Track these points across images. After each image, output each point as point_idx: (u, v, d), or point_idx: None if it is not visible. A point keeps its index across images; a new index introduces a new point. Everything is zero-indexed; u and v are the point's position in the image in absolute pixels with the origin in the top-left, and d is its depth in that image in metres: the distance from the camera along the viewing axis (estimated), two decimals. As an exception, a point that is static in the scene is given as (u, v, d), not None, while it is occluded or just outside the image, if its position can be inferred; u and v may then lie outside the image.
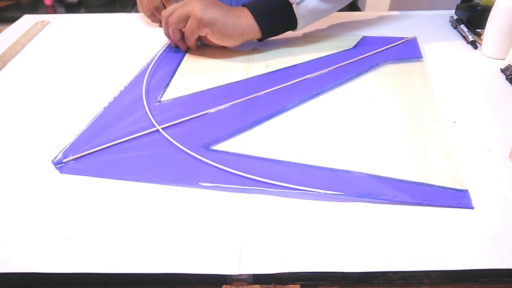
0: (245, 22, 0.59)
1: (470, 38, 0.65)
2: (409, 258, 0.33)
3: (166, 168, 0.42)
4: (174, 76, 0.58)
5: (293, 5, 0.58)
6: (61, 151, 0.44)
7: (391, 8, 1.08)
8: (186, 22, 0.59)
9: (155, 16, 0.72)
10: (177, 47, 0.65)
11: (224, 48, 0.64)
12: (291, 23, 0.61)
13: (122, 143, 0.45)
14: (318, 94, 0.53)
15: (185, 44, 0.63)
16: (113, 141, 0.45)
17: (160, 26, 0.73)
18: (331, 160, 0.42)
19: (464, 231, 0.35)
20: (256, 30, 0.60)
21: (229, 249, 0.34)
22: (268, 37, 0.63)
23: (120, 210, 0.38)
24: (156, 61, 0.62)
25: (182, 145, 0.44)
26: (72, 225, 0.36)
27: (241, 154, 0.44)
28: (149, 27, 0.74)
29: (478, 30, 0.67)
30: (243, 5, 0.60)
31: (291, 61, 0.61)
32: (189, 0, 0.58)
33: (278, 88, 0.54)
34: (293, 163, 0.42)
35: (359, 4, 1.84)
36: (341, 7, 0.65)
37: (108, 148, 0.45)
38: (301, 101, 0.52)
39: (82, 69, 0.61)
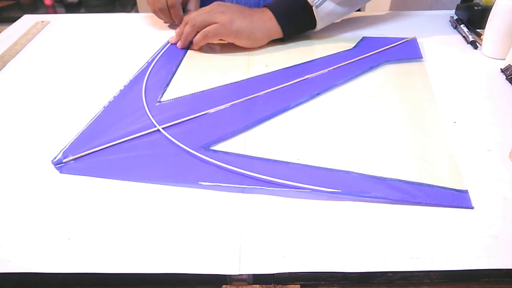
0: (270, 24, 0.63)
1: (470, 38, 0.65)
2: (409, 258, 0.33)
3: (166, 167, 0.42)
4: (174, 76, 0.58)
5: (313, 7, 0.61)
6: (61, 151, 0.44)
7: (391, 8, 1.08)
8: (207, 26, 0.61)
9: (157, 13, 0.72)
10: (176, 46, 0.66)
11: (224, 48, 0.65)
12: (311, 23, 0.64)
13: (122, 143, 0.45)
14: (318, 94, 0.53)
15: (187, 43, 0.65)
16: (113, 141, 0.45)
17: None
18: (331, 160, 0.42)
19: (464, 231, 0.35)
20: (280, 31, 0.64)
21: (229, 249, 0.34)
22: (290, 37, 0.66)
23: (120, 210, 0.38)
24: (156, 61, 0.62)
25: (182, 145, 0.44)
26: (72, 225, 0.36)
27: (241, 154, 0.44)
28: (149, 27, 0.74)
29: (478, 30, 0.67)
30: (264, 6, 0.64)
31: (291, 61, 0.61)
32: (215, 7, 0.62)
33: (278, 88, 0.54)
34: (293, 163, 0.42)
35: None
36: (356, 10, 0.68)
37: (108, 148, 0.45)
38: (301, 101, 0.52)
39: (82, 69, 0.61)
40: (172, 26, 0.73)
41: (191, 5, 0.70)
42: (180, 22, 0.70)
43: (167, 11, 0.69)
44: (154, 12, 0.71)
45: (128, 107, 0.52)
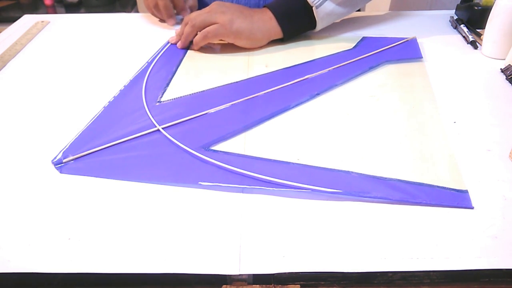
0: (270, 25, 0.63)
1: (470, 38, 0.65)
2: (409, 258, 0.33)
3: (166, 167, 0.42)
4: (174, 76, 0.58)
5: (313, 8, 0.61)
6: (61, 151, 0.44)
7: (391, 8, 1.08)
8: (208, 26, 0.61)
9: (154, 10, 0.72)
10: (177, 46, 0.66)
11: (224, 48, 0.65)
12: (311, 24, 0.64)
13: (122, 143, 0.45)
14: (318, 94, 0.53)
15: (187, 44, 0.65)
16: (113, 141, 0.45)
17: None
18: (331, 160, 0.42)
19: (464, 231, 0.35)
20: (280, 31, 0.64)
21: (229, 249, 0.34)
22: (290, 38, 0.66)
23: (120, 210, 0.38)
24: (156, 61, 0.62)
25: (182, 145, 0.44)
26: (72, 225, 0.36)
27: (241, 154, 0.44)
28: (149, 27, 0.74)
29: (478, 30, 0.67)
30: (264, 6, 0.64)
31: (291, 61, 0.61)
32: (215, 7, 0.61)
33: (278, 88, 0.54)
34: (293, 163, 0.42)
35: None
36: (356, 10, 0.68)
37: (108, 148, 0.45)
38: (301, 101, 0.52)
39: (82, 69, 0.61)
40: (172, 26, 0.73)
41: None
42: (180, 9, 0.70)
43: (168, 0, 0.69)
44: (152, 10, 0.71)
45: (128, 107, 0.52)
